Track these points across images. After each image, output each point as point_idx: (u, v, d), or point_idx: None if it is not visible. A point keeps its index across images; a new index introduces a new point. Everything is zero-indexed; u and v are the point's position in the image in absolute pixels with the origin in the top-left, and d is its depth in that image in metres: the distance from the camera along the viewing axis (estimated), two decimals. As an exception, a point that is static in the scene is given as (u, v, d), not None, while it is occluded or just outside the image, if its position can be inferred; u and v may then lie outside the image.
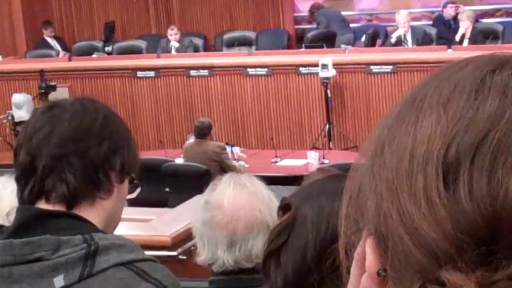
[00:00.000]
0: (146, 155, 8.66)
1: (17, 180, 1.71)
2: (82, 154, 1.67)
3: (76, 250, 1.58)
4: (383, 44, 10.92)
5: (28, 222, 1.64)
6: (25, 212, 1.66)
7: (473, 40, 10.26)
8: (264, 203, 2.30)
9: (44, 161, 1.66)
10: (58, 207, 1.67)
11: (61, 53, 12.40)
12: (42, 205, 1.67)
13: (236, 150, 8.43)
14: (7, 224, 1.89)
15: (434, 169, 0.58)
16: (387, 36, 10.98)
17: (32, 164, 1.67)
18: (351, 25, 12.80)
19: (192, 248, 4.02)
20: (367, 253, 0.61)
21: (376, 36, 11.42)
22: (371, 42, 11.22)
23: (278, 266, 1.44)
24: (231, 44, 12.37)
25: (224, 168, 7.41)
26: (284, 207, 1.50)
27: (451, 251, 0.56)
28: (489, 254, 0.56)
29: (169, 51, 11.26)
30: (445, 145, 0.59)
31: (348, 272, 0.64)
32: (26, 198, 1.68)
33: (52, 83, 9.69)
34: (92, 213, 1.70)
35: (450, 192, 0.57)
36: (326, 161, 8.21)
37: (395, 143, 0.62)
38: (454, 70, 0.64)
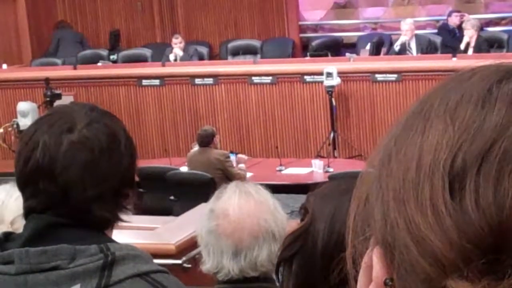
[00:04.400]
0: (151, 163, 8.66)
1: (33, 208, 1.67)
2: (116, 190, 1.69)
3: (93, 260, 1.59)
4: (387, 53, 10.92)
5: (43, 231, 1.65)
6: (39, 221, 1.66)
7: (478, 49, 10.25)
8: (270, 212, 2.30)
9: (79, 199, 1.65)
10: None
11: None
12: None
13: (240, 156, 8.41)
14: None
15: (441, 179, 0.59)
16: (392, 44, 10.99)
17: (61, 197, 1.65)
18: (356, 33, 12.82)
19: (197, 256, 4.01)
20: (374, 262, 0.61)
21: (381, 44, 11.43)
22: (375, 51, 11.23)
23: (290, 272, 1.45)
24: (236, 52, 12.38)
25: (228, 176, 7.41)
26: (303, 210, 1.50)
27: (457, 260, 0.57)
28: (495, 263, 0.56)
29: (170, 60, 11.25)
30: (452, 154, 0.59)
31: (356, 281, 0.64)
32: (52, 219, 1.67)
33: (58, 91, 9.69)
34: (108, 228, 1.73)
35: (456, 201, 0.58)
36: (331, 169, 8.20)
37: (402, 153, 0.62)
38: (461, 80, 0.64)
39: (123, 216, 1.73)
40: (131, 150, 1.74)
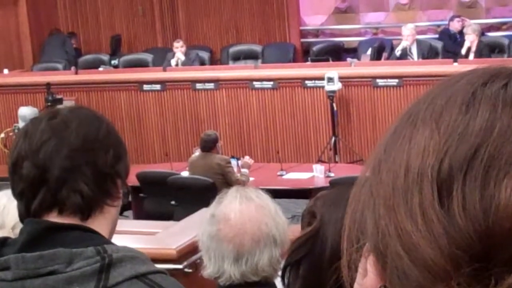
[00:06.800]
0: (152, 168, 8.66)
1: (21, 193, 1.70)
2: (92, 164, 1.69)
3: (90, 263, 1.58)
4: (389, 58, 10.93)
5: (39, 236, 1.64)
6: (34, 225, 1.66)
7: (479, 54, 10.26)
8: (271, 216, 2.30)
9: (56, 173, 1.66)
10: (72, 218, 1.68)
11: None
12: (54, 217, 1.68)
13: (245, 160, 8.36)
14: (12, 236, 1.89)
15: (429, 185, 0.59)
16: (393, 49, 11.00)
17: (41, 177, 1.67)
18: (357, 38, 12.83)
19: (198, 261, 4.01)
20: (368, 270, 0.62)
21: (382, 49, 11.44)
22: (376, 56, 11.24)
23: (297, 275, 1.44)
24: (237, 57, 12.39)
25: (228, 181, 7.40)
26: (310, 214, 1.49)
27: (447, 267, 0.57)
28: (483, 271, 0.56)
29: (172, 65, 11.25)
30: (438, 160, 0.59)
31: None
32: (37, 211, 1.68)
33: (59, 96, 9.70)
34: (102, 222, 1.71)
35: (445, 208, 0.58)
36: (332, 174, 8.20)
37: (391, 160, 0.62)
38: (448, 85, 0.64)
39: (110, 202, 1.71)
40: (112, 140, 1.75)
